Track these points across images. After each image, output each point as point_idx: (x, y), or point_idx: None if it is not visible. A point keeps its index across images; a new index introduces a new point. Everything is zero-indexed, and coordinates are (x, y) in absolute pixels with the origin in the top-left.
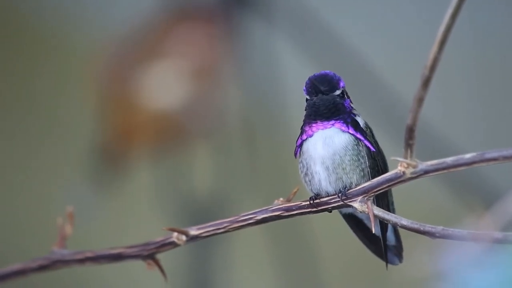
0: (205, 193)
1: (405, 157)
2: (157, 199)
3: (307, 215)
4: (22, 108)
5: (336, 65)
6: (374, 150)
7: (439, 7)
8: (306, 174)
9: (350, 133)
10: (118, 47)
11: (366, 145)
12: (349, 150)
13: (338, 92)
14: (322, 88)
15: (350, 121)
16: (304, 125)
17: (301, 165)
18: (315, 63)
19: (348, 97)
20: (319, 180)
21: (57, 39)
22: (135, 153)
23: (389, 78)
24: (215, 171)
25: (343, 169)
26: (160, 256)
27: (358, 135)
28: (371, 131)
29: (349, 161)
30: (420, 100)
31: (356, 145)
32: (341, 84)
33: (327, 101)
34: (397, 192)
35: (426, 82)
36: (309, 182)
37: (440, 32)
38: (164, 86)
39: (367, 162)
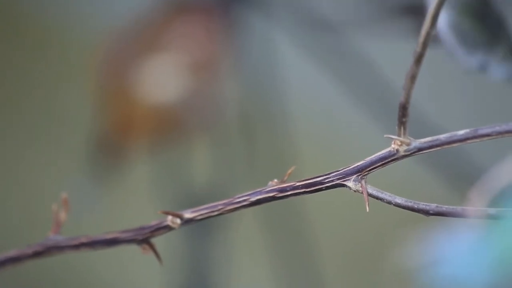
0: (204, 186)
1: (399, 135)
2: (156, 192)
3: (306, 206)
4: (20, 100)
5: (336, 60)
6: None
7: None
8: None
9: None
10: (116, 40)
11: None
12: None
13: None
14: None
15: None
16: None
17: None
18: (314, 56)
19: None
20: None
21: (55, 31)
22: (133, 146)
23: (389, 72)
24: (214, 164)
25: None
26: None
27: None
28: None
29: None
30: (413, 77)
31: None
32: None
33: None
34: (391, 186)
35: (418, 59)
36: None
37: (432, 6)
38: (163, 79)
39: None
